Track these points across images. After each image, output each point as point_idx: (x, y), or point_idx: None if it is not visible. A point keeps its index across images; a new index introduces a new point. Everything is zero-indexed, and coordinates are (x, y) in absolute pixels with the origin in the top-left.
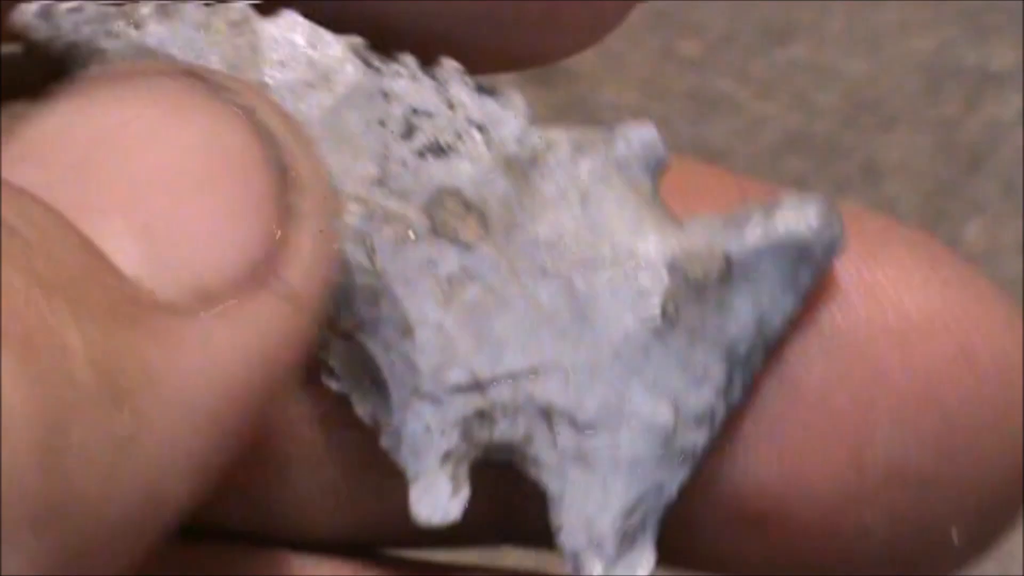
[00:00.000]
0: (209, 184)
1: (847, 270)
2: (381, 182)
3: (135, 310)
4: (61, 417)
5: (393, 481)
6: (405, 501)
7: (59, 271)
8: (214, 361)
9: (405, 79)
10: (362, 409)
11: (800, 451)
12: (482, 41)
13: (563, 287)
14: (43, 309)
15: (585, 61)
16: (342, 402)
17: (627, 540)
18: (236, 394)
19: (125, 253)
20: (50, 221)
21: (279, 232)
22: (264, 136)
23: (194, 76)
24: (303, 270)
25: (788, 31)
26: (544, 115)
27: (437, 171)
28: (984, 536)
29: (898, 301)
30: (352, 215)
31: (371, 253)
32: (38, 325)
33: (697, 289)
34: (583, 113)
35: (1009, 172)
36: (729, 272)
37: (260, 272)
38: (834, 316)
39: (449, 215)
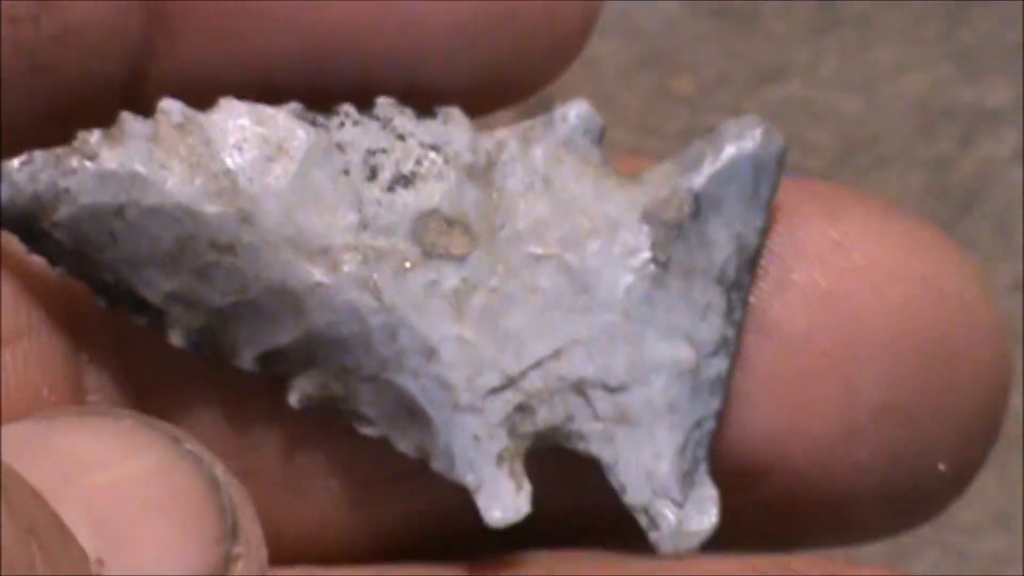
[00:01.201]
0: (159, 509)
1: (813, 230)
2: (364, 225)
3: None
4: None
5: (406, 486)
6: (420, 506)
7: (38, 523)
8: None
9: (350, 127)
10: (404, 444)
11: (793, 399)
12: (452, 83)
13: (558, 267)
14: (22, 541)
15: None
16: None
17: (687, 480)
18: None
19: (83, 543)
20: (34, 495)
21: (221, 570)
22: (210, 480)
23: (148, 422)
24: None
25: (781, 70)
26: None
27: (410, 199)
28: (968, 465)
29: (864, 251)
30: (349, 263)
31: (376, 293)
32: (14, 554)
33: (676, 230)
34: None
35: (1003, 211)
36: (698, 206)
37: None
38: (809, 272)
39: (435, 235)
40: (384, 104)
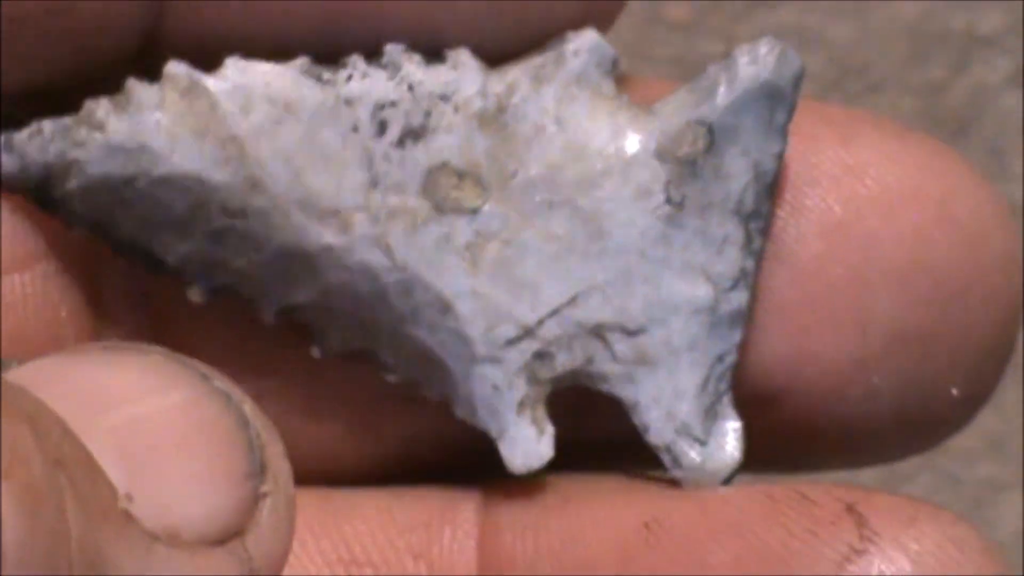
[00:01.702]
0: (187, 445)
1: (827, 156)
2: (374, 183)
3: (120, 520)
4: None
5: (420, 407)
6: (435, 426)
7: (67, 456)
8: None
9: (357, 80)
10: (427, 391)
11: (807, 325)
12: (476, 47)
13: (571, 213)
14: (50, 473)
15: None
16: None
17: (710, 415)
18: None
19: (111, 475)
20: (62, 426)
21: (249, 507)
22: (239, 418)
23: (176, 358)
24: (264, 545)
25: None
26: None
27: (420, 154)
28: (980, 390)
29: (878, 176)
30: (360, 224)
31: (389, 251)
32: (44, 486)
33: (690, 165)
34: None
35: (996, 136)
36: (713, 138)
37: (226, 536)
38: (822, 197)
39: (446, 189)
40: (392, 51)
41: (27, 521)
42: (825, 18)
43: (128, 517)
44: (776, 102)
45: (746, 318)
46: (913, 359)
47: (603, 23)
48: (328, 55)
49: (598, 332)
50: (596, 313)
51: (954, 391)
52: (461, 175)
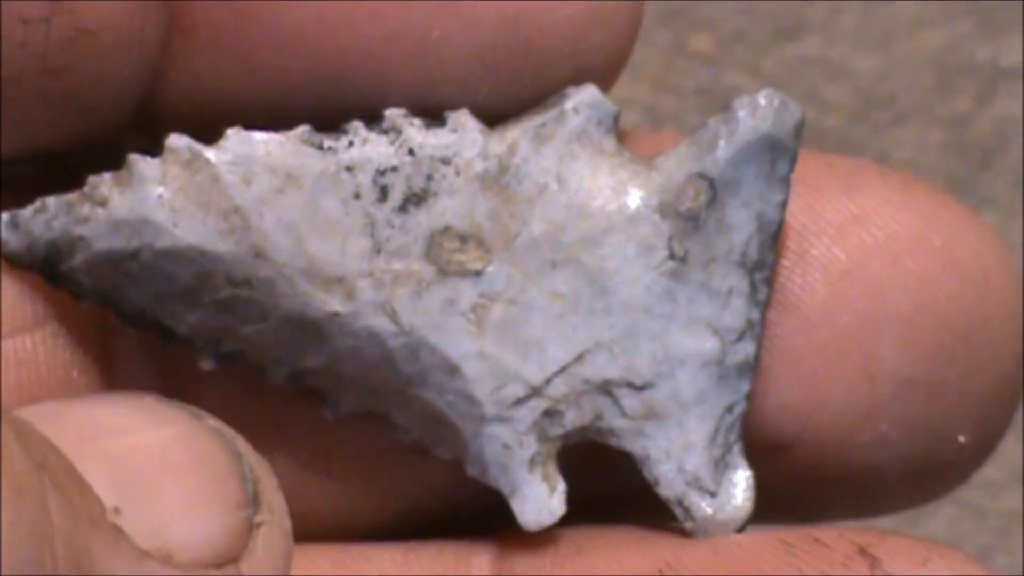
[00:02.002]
0: (180, 474)
1: (833, 206)
2: (377, 250)
3: (109, 531)
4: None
5: (431, 461)
6: (447, 481)
7: (51, 463)
8: None
9: (358, 146)
10: (439, 451)
11: (815, 373)
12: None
13: (575, 271)
14: (31, 472)
15: None
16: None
17: (720, 466)
18: None
19: (103, 497)
20: (48, 442)
21: (243, 535)
22: (232, 451)
23: (171, 401)
24: (258, 571)
25: (799, 27)
26: None
27: (423, 218)
28: (988, 436)
29: (883, 225)
30: (364, 290)
31: (394, 316)
32: (25, 481)
33: (693, 220)
34: None
35: (1020, 167)
36: (715, 192)
37: (221, 562)
38: (827, 246)
39: (449, 253)
40: (393, 115)
41: (7, 512)
42: (850, 50)
43: (118, 530)
44: (777, 153)
45: (754, 368)
46: (921, 406)
47: (603, 80)
48: (328, 119)
49: (606, 389)
50: (603, 370)
51: (961, 438)
52: (464, 238)
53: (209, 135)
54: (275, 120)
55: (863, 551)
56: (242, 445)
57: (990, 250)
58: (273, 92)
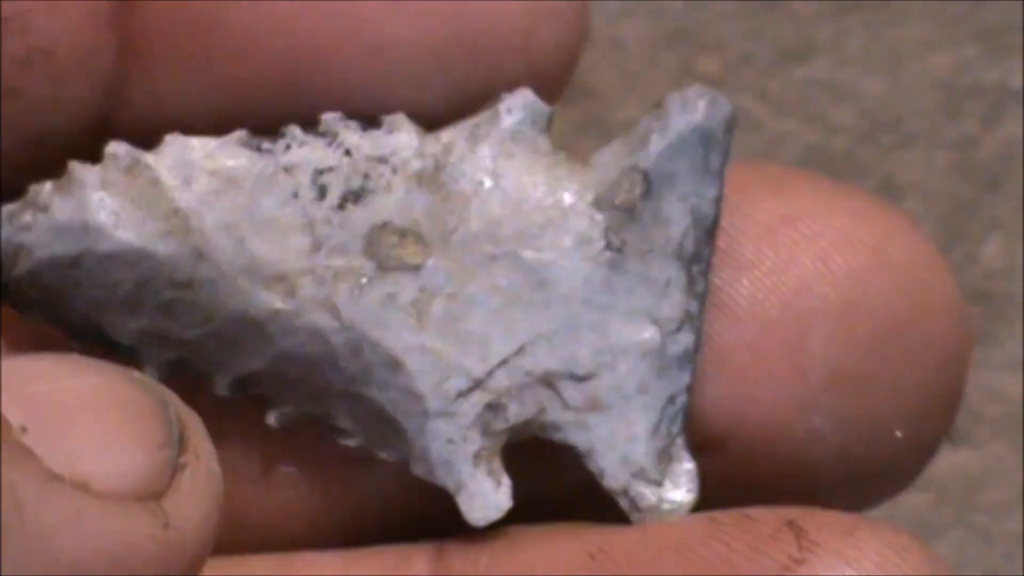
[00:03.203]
0: (99, 414)
1: (761, 207)
2: (317, 247)
3: (16, 449)
4: None
5: (369, 469)
6: (385, 487)
7: None
8: (78, 535)
9: (296, 148)
10: (385, 452)
11: (744, 369)
12: (425, 109)
13: (513, 264)
14: None
15: (603, 79)
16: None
17: (664, 457)
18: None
19: (12, 420)
20: None
21: (166, 474)
22: (157, 399)
23: (96, 361)
24: (183, 508)
25: (806, 49)
26: (563, 132)
27: (361, 215)
28: (927, 435)
29: (812, 224)
30: (305, 287)
31: (336, 312)
32: None
33: (628, 212)
34: (601, 131)
35: None
36: (649, 185)
37: (141, 496)
38: (756, 244)
39: (389, 248)
40: (329, 119)
41: None
42: (857, 72)
43: (25, 450)
44: (709, 147)
45: (694, 360)
46: (854, 400)
47: (557, 78)
48: (266, 128)
49: (548, 381)
50: (544, 362)
51: (898, 433)
52: (402, 233)
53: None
54: (217, 131)
55: (790, 523)
56: (170, 396)
57: (922, 251)
58: (231, 102)
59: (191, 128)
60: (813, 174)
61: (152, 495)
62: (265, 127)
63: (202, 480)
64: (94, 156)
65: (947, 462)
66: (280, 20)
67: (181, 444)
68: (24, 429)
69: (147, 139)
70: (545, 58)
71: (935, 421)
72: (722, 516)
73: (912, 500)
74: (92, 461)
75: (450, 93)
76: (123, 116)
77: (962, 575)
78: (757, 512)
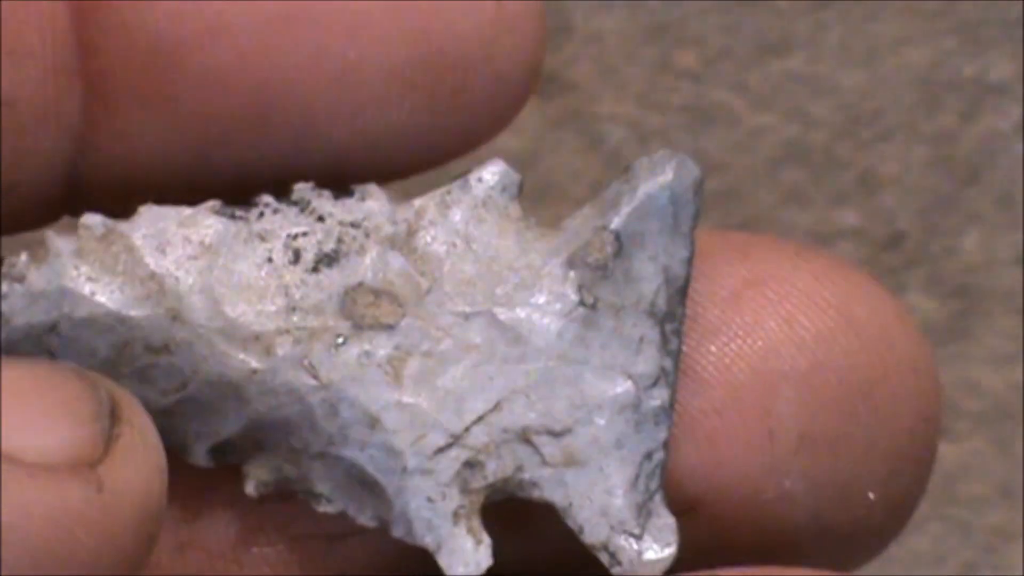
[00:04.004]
0: (27, 394)
1: (728, 272)
2: (292, 308)
3: None
4: None
5: (344, 545)
6: (360, 564)
7: None
8: (9, 503)
9: (269, 215)
10: (363, 517)
11: (713, 433)
12: (393, 131)
13: (488, 322)
14: None
15: (582, 74)
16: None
17: (643, 511)
18: (19, 546)
19: None
20: None
21: (99, 444)
22: (87, 381)
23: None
24: (117, 473)
25: (784, 43)
26: (542, 127)
27: (335, 277)
28: (901, 494)
29: (777, 287)
30: (282, 346)
31: (312, 371)
32: None
33: (601, 270)
34: (580, 125)
35: (1007, 184)
36: (620, 244)
37: (74, 466)
38: (722, 309)
39: (364, 308)
40: (301, 188)
41: None
42: (835, 66)
43: None
44: (678, 208)
45: (670, 416)
46: (824, 462)
47: (523, 86)
48: (258, 163)
49: (525, 436)
50: (521, 418)
51: (871, 495)
52: (377, 293)
53: (140, 203)
54: (207, 173)
55: None
56: (100, 378)
57: (888, 309)
58: (200, 139)
59: (163, 172)
60: (778, 239)
61: (86, 463)
62: (236, 164)
63: (138, 448)
64: (65, 204)
65: None
66: (244, 54)
67: (114, 416)
68: None
69: (119, 186)
70: (510, 66)
71: (909, 482)
72: None
73: None
74: (20, 437)
75: (418, 111)
76: (92, 161)
77: (939, 565)
78: (727, 573)
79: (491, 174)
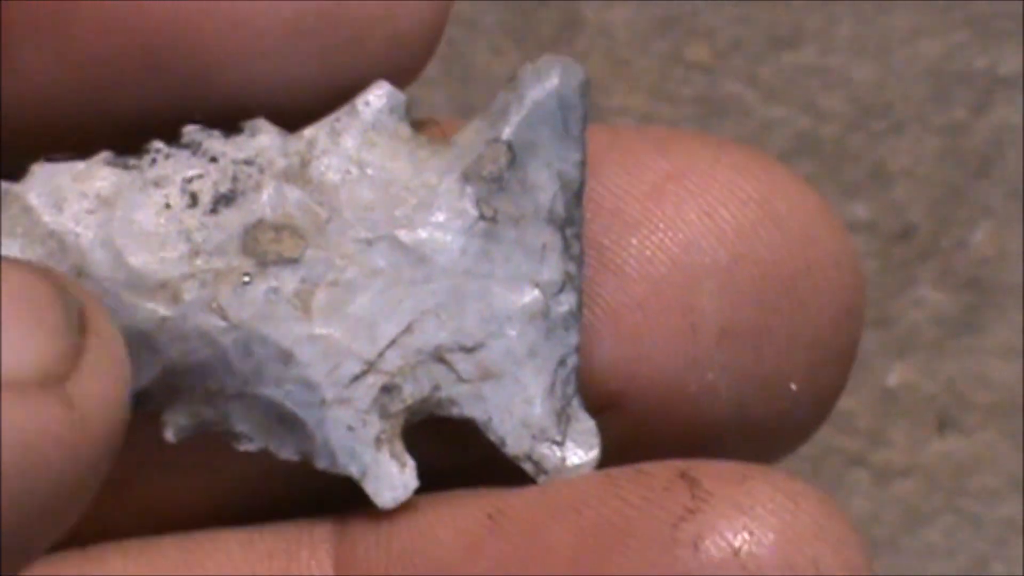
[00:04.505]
0: (7, 298)
1: (647, 166)
2: (195, 252)
3: None
4: None
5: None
6: (283, 464)
7: None
8: None
9: (161, 161)
10: (286, 452)
11: (636, 328)
12: (287, 81)
13: (391, 246)
14: None
15: (593, 67)
16: None
17: (563, 418)
18: None
19: None
20: None
21: (67, 358)
22: (54, 284)
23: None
24: (86, 386)
25: (796, 36)
26: None
27: (234, 216)
28: (823, 387)
29: (698, 180)
30: (189, 291)
31: (222, 312)
32: None
33: (496, 182)
34: (592, 118)
35: (1018, 177)
36: (513, 154)
37: (44, 382)
38: (643, 203)
39: (266, 244)
40: (191, 131)
41: None
42: (847, 58)
43: None
44: (567, 112)
45: (579, 320)
46: (747, 354)
47: (421, 48)
48: (156, 107)
49: (439, 355)
50: (433, 337)
51: (793, 386)
52: (278, 228)
53: (34, 148)
54: (102, 116)
55: (684, 475)
56: (66, 280)
57: (810, 203)
58: (95, 83)
59: (56, 112)
60: (699, 132)
61: (55, 379)
62: (129, 108)
63: (106, 360)
64: None
65: (937, 449)
66: None
67: (81, 326)
68: None
69: (14, 128)
70: (409, 26)
71: (831, 374)
72: (617, 472)
73: (902, 486)
74: None
75: (311, 62)
76: None
77: (950, 557)
78: (651, 466)
79: (377, 97)
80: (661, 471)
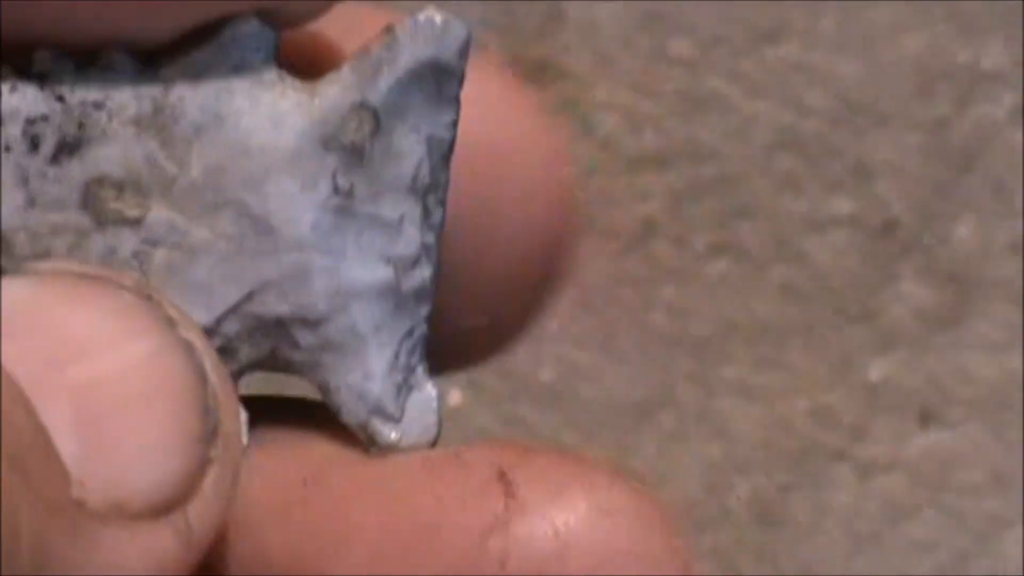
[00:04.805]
0: (144, 407)
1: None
2: (31, 203)
3: (67, 507)
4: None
5: None
6: None
7: (24, 446)
8: (115, 569)
9: (7, 95)
10: None
11: None
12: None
13: (239, 212)
14: (6, 474)
15: (577, 61)
16: None
17: (403, 391)
18: None
19: (64, 446)
20: (11, 394)
21: (195, 475)
22: (199, 373)
23: (147, 295)
24: (204, 515)
25: (779, 31)
26: None
27: (76, 168)
28: (517, 313)
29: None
30: (21, 245)
31: None
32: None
33: (358, 152)
34: (575, 113)
35: (1000, 171)
36: (379, 122)
37: (171, 506)
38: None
39: (106, 202)
40: (41, 59)
41: None
42: (831, 54)
43: (78, 507)
44: (443, 76)
45: (433, 291)
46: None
47: (296, 17)
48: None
49: (279, 325)
50: (274, 308)
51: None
52: (121, 186)
53: None
54: None
55: (501, 475)
56: (209, 363)
57: (530, 113)
58: None
59: None
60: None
61: (179, 503)
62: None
63: (226, 479)
64: None
65: (920, 443)
66: None
67: (214, 433)
68: (82, 484)
69: None
70: None
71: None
72: (437, 457)
73: (885, 481)
74: (131, 477)
75: (180, 19)
76: None
77: (933, 552)
78: (471, 456)
79: (245, 36)
80: (481, 467)
